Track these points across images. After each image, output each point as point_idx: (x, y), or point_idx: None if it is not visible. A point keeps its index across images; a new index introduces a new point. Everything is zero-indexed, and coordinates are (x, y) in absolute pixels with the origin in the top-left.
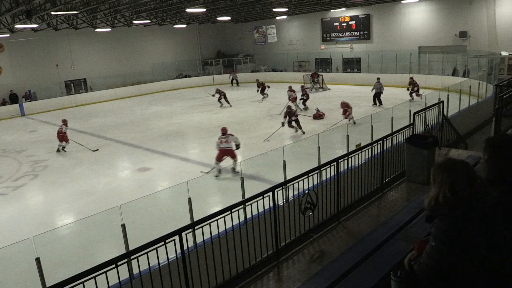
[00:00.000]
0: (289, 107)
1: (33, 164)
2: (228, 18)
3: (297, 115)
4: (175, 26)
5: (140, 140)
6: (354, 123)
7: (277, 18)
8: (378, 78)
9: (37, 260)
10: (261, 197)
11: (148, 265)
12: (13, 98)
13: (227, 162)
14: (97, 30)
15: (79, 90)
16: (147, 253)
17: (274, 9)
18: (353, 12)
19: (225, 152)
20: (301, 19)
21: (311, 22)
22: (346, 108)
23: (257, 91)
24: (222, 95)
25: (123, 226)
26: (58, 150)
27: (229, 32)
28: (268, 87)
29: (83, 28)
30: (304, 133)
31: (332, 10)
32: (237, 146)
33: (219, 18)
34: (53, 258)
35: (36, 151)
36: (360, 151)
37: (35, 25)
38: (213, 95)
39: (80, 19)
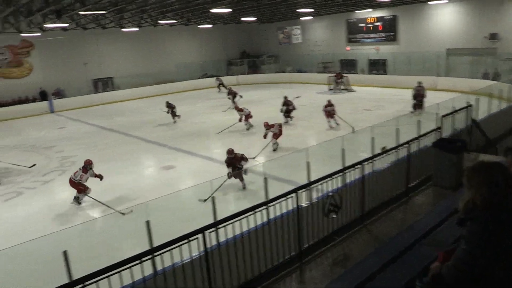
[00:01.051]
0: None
1: (61, 159)
2: (253, 18)
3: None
4: (200, 26)
5: (165, 138)
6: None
7: (302, 18)
8: (420, 82)
9: (64, 253)
10: (285, 198)
11: (171, 262)
12: (43, 95)
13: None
14: (124, 29)
15: (105, 89)
16: (171, 250)
17: (298, 10)
18: (379, 13)
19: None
20: (326, 20)
21: (336, 23)
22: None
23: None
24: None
25: (148, 222)
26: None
27: (253, 33)
28: (241, 96)
29: (111, 27)
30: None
31: (357, 11)
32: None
33: (243, 19)
34: (80, 252)
35: (64, 147)
36: (386, 154)
37: (65, 25)
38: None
39: (108, 18)
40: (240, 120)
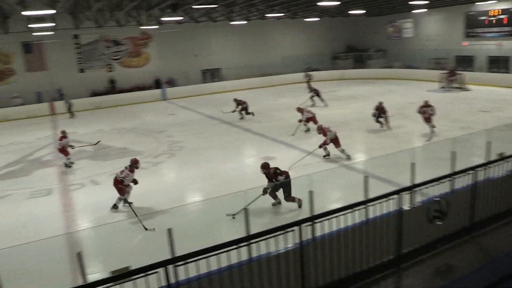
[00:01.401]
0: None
1: (171, 144)
2: (362, 11)
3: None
4: (306, 19)
5: (267, 130)
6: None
7: (414, 11)
8: None
9: (169, 230)
10: (386, 199)
11: (266, 251)
12: (157, 84)
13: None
14: (232, 23)
15: (213, 79)
16: (266, 239)
17: (411, 2)
18: (505, 5)
19: None
20: (441, 13)
21: (453, 16)
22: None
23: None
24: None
25: (246, 210)
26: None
27: (361, 26)
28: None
29: (220, 21)
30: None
31: (478, 3)
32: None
33: (351, 12)
34: (183, 231)
35: (174, 132)
36: (504, 161)
37: (180, 18)
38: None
39: (219, 12)
40: (300, 120)
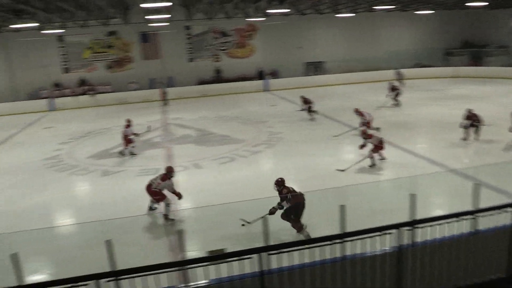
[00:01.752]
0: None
1: (270, 135)
2: (484, 3)
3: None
4: (417, 12)
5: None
6: None
7: None
8: None
9: (263, 218)
10: (499, 210)
11: (361, 250)
12: (260, 75)
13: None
14: (338, 15)
15: (316, 72)
16: (363, 239)
17: None
18: None
19: None
20: None
21: None
22: None
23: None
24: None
25: (343, 207)
26: (122, 153)
27: (480, 20)
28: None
29: (327, 13)
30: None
31: None
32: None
33: (471, 4)
34: (280, 221)
35: (274, 123)
36: None
37: (286, 10)
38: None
39: (325, 4)
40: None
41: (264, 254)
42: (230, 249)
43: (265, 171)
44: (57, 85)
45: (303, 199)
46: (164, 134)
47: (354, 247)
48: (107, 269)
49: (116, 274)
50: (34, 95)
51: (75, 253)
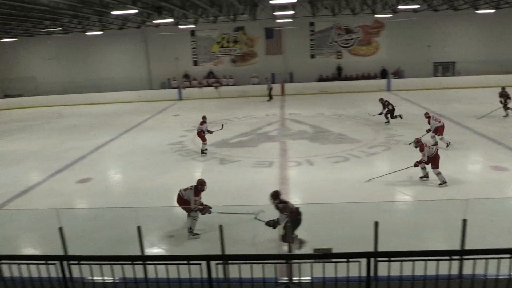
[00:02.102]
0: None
1: (388, 137)
2: None
3: None
4: None
5: (504, 136)
6: None
7: None
8: None
9: (375, 223)
10: None
11: (484, 271)
12: (383, 74)
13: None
14: (478, 11)
15: (445, 73)
16: (487, 259)
17: None
18: None
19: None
20: None
21: None
22: None
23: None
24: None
25: (465, 221)
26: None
27: None
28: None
29: (464, 9)
30: None
31: None
32: None
33: None
34: (389, 226)
35: (393, 125)
36: None
37: (416, 6)
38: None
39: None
40: (428, 130)
41: (372, 260)
42: (335, 250)
43: (379, 174)
44: (186, 76)
45: (299, 214)
46: (281, 129)
47: (475, 267)
48: (217, 252)
49: (224, 258)
50: (165, 85)
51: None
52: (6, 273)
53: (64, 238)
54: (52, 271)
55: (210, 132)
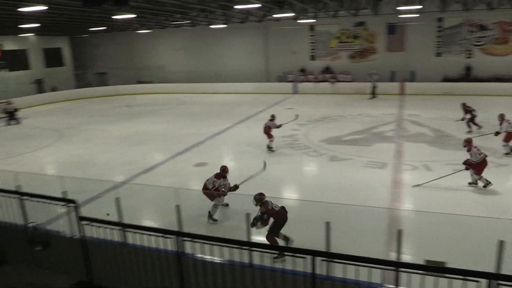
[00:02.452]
0: None
1: None
2: None
3: None
4: None
5: None
6: None
7: None
8: None
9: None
10: None
11: None
12: None
13: None
14: None
15: None
16: None
17: None
18: None
19: None
20: None
21: None
22: None
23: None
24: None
25: None
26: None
27: None
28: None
29: None
30: None
31: None
32: None
33: None
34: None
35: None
36: None
37: None
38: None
39: None
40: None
41: (494, 283)
42: (449, 264)
43: (505, 188)
44: (302, 71)
45: (285, 212)
46: (397, 129)
47: None
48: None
49: (328, 256)
50: (282, 78)
51: (298, 226)
52: (130, 240)
53: (180, 215)
54: (168, 244)
55: (279, 126)
